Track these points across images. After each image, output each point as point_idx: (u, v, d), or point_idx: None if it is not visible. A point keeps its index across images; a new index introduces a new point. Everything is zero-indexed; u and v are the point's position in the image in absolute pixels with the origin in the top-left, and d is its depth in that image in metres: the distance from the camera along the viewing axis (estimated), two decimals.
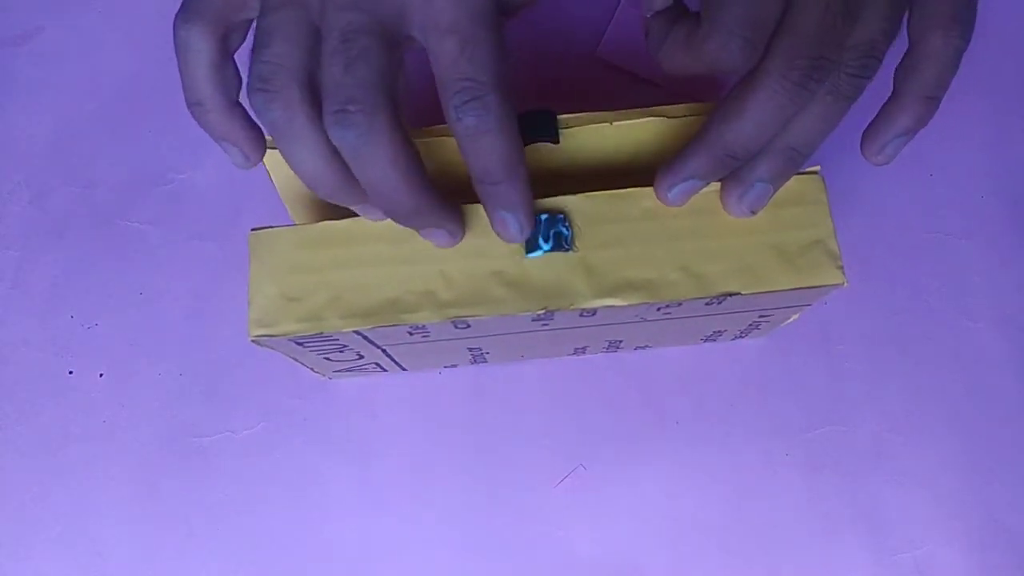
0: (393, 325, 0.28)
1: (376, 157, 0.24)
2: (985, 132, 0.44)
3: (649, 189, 0.29)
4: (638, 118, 0.31)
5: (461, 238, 0.28)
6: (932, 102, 0.27)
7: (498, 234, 0.27)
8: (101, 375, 0.40)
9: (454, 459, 0.39)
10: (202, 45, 0.26)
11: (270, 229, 0.29)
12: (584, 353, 0.39)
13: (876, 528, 0.38)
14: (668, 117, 0.31)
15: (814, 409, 0.40)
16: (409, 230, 0.28)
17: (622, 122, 0.31)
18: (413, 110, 0.28)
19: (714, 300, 0.29)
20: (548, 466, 0.39)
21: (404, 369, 0.38)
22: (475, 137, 0.24)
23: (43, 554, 0.38)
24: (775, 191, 0.28)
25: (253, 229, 0.29)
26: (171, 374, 0.40)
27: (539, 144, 0.31)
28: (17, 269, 0.42)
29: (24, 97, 0.46)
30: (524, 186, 0.26)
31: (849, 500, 0.38)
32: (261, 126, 0.25)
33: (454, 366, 0.39)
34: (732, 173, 0.28)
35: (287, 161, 0.25)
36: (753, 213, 0.28)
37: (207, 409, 0.40)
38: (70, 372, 0.40)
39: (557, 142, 0.31)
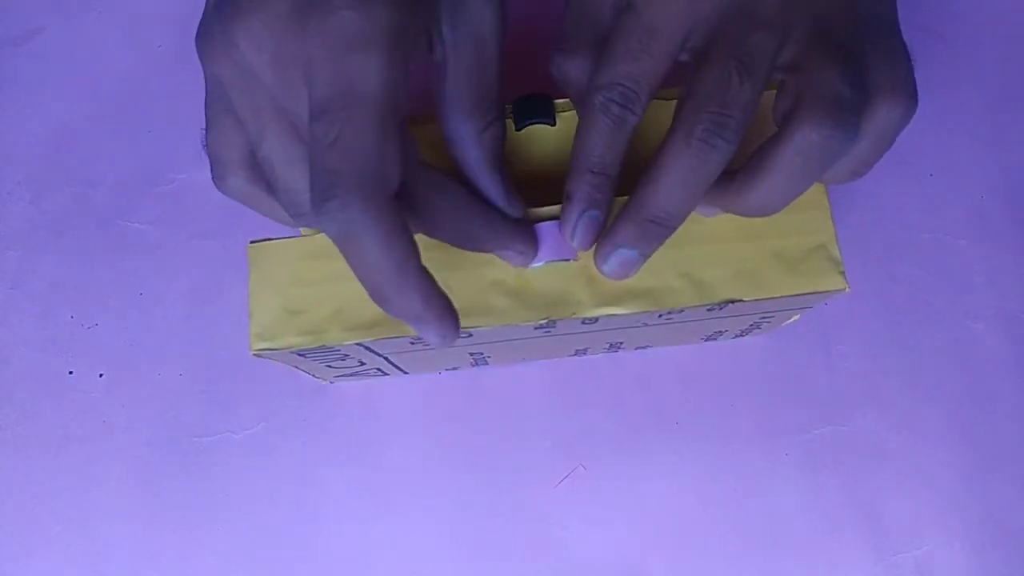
0: (395, 337, 0.28)
1: (365, 247, 0.22)
2: (984, 132, 0.44)
3: None
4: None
5: (453, 341, 0.25)
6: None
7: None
8: (101, 375, 0.40)
9: (454, 459, 0.39)
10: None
11: (270, 241, 0.29)
12: (585, 354, 0.39)
13: (876, 528, 0.38)
14: (662, 99, 0.30)
15: (814, 409, 0.40)
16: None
17: None
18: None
19: (716, 306, 0.29)
20: (548, 466, 0.39)
21: (405, 373, 0.38)
22: (340, 244, 0.22)
23: (43, 554, 0.38)
24: (644, 258, 0.27)
25: (252, 241, 0.29)
26: (171, 374, 0.40)
27: (536, 126, 0.31)
28: (17, 269, 0.42)
29: (24, 97, 0.46)
30: (421, 293, 0.23)
31: (849, 500, 0.38)
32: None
33: (455, 369, 0.39)
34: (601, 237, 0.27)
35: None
36: (622, 277, 0.27)
37: (207, 409, 0.40)
38: (70, 372, 0.40)
39: (554, 124, 0.31)
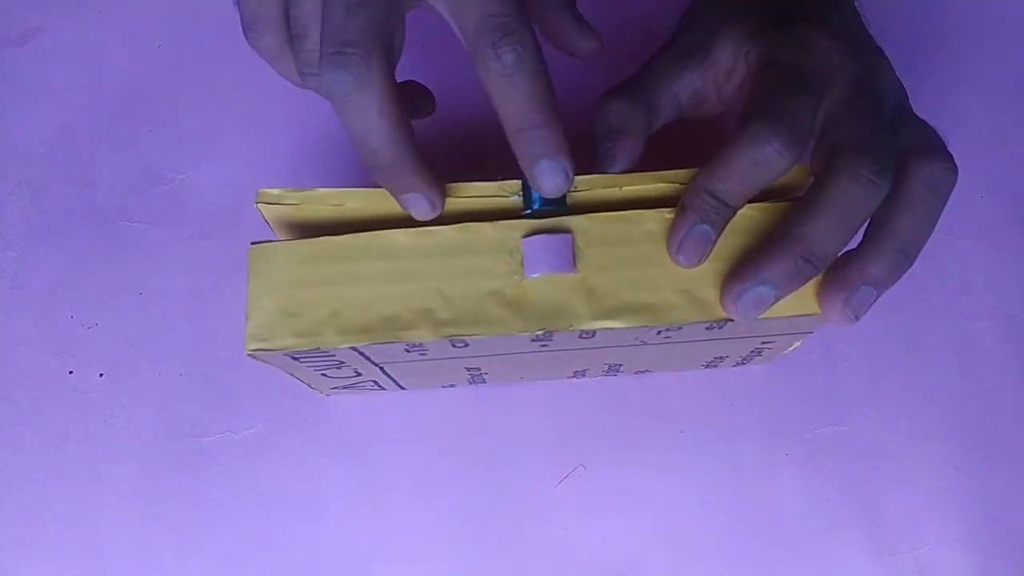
0: (390, 342, 0.28)
1: (367, 103, 0.24)
2: (984, 131, 0.44)
3: (652, 211, 0.28)
4: (648, 183, 0.29)
5: (440, 211, 0.28)
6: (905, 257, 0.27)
7: (539, 189, 0.26)
8: (101, 375, 0.40)
9: (454, 458, 0.39)
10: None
11: (270, 243, 0.29)
12: (583, 376, 0.39)
13: (876, 528, 0.38)
14: (681, 184, 0.29)
15: (814, 409, 0.40)
16: (409, 246, 0.28)
17: (631, 187, 0.29)
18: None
19: (715, 325, 0.29)
20: (548, 466, 0.39)
21: (402, 388, 0.38)
22: (513, 76, 0.24)
23: (43, 554, 0.38)
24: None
25: (253, 243, 0.29)
26: (171, 374, 0.40)
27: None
28: (17, 269, 0.42)
29: (24, 97, 0.46)
30: (562, 129, 0.25)
31: (849, 500, 0.38)
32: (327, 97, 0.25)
33: (452, 386, 0.39)
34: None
35: (353, 130, 0.25)
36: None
37: (207, 409, 0.40)
38: (70, 372, 0.40)
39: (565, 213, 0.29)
